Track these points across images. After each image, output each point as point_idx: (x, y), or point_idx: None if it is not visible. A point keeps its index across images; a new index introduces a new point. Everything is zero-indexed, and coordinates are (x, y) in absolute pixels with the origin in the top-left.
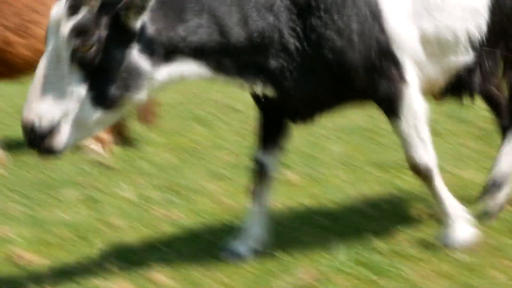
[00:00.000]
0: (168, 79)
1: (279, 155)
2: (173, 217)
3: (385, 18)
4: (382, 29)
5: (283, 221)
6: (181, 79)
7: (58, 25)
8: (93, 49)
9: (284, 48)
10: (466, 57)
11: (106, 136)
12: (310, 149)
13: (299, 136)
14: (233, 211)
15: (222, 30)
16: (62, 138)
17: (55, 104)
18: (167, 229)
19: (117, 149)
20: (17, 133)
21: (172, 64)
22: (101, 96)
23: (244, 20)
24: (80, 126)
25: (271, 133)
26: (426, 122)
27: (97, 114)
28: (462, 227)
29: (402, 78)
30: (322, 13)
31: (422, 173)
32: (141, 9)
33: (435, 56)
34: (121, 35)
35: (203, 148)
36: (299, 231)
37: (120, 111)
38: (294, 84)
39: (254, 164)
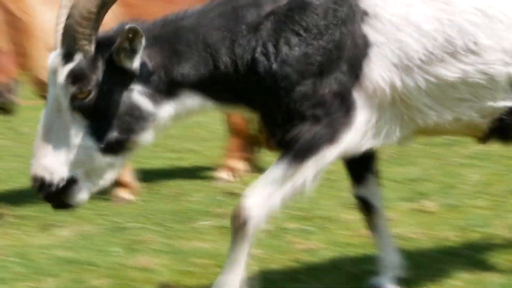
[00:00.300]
0: (174, 116)
1: (376, 181)
2: (312, 247)
3: (370, 64)
4: (354, 74)
5: (425, 252)
6: (189, 114)
7: (55, 73)
8: (92, 94)
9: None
10: (507, 100)
11: (237, 164)
12: (447, 177)
13: (435, 164)
14: (372, 241)
15: (214, 60)
16: (76, 190)
17: (63, 156)
18: (307, 259)
19: (248, 177)
20: (153, 164)
21: (175, 100)
22: (107, 142)
23: (231, 47)
24: (92, 175)
25: (356, 163)
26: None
27: (106, 161)
28: None
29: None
30: (301, 31)
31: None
32: (132, 52)
33: (466, 101)
34: (119, 77)
35: (335, 177)
36: (443, 262)
37: (130, 154)
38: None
39: (356, 201)
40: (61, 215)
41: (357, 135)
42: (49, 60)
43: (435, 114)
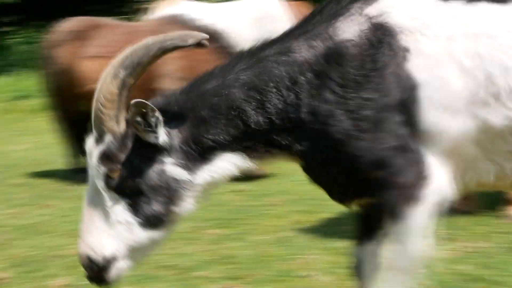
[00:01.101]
0: (212, 180)
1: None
2: None
3: (420, 107)
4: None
5: None
6: (226, 177)
7: (90, 156)
8: (124, 172)
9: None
10: None
11: None
12: None
13: None
14: None
15: (243, 120)
16: (115, 268)
17: (104, 234)
18: None
19: None
20: None
21: (210, 165)
22: (147, 217)
23: (261, 106)
24: (133, 251)
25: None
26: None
27: (147, 236)
28: None
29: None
30: (336, 87)
31: None
32: (149, 127)
33: None
34: (149, 152)
35: None
36: None
37: (172, 226)
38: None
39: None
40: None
41: (442, 186)
42: (87, 143)
43: (484, 168)
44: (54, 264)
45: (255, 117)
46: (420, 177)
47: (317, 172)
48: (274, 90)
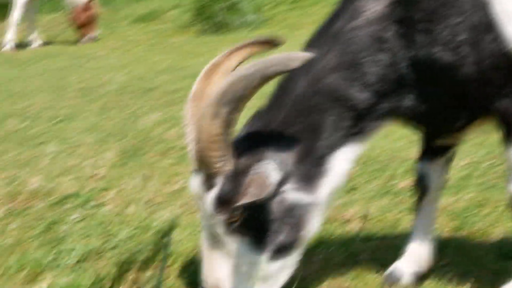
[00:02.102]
0: (333, 190)
1: (444, 164)
2: None
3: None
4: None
5: None
6: (347, 174)
7: (200, 200)
8: (245, 214)
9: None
10: None
11: None
12: None
13: None
14: None
15: (351, 105)
16: None
17: (236, 279)
18: None
19: None
20: None
21: (328, 174)
22: (275, 251)
23: (362, 79)
24: (270, 284)
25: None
26: None
27: (279, 267)
28: None
29: None
30: (424, 26)
31: None
32: None
33: None
34: None
35: None
36: None
37: (301, 250)
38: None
39: (414, 173)
40: None
41: None
42: (192, 185)
43: None
44: (395, 166)
45: (361, 95)
46: None
47: (430, 117)
48: (367, 58)
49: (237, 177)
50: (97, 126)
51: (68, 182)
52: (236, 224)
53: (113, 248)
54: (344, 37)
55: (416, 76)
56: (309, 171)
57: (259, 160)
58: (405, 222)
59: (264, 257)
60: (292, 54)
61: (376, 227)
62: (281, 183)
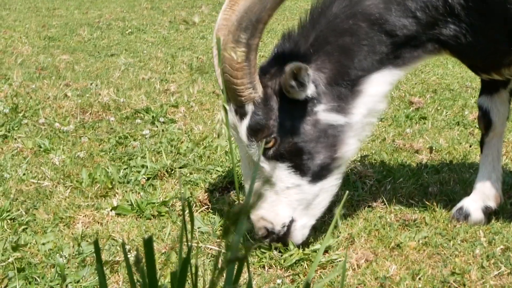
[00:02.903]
0: (369, 113)
1: (506, 98)
2: None
3: None
4: None
5: None
6: (382, 101)
7: (235, 130)
8: (279, 139)
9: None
10: None
11: None
12: None
13: None
14: None
15: (388, 31)
16: (297, 230)
17: (276, 204)
18: None
19: None
20: None
21: (363, 96)
22: (313, 173)
23: (404, 4)
24: (309, 209)
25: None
26: None
27: (319, 189)
28: None
29: None
30: None
31: None
32: (302, 86)
33: None
34: (299, 107)
35: None
36: None
37: (342, 171)
38: (470, 44)
39: (478, 110)
40: None
41: None
42: (222, 116)
43: None
44: (467, 96)
45: (400, 21)
46: None
47: (473, 49)
48: None
49: (267, 102)
50: (167, 40)
51: (139, 97)
52: (273, 149)
53: (183, 167)
54: None
55: (466, 5)
56: (343, 92)
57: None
58: (475, 155)
59: (304, 180)
60: None
61: (445, 159)
62: (314, 100)
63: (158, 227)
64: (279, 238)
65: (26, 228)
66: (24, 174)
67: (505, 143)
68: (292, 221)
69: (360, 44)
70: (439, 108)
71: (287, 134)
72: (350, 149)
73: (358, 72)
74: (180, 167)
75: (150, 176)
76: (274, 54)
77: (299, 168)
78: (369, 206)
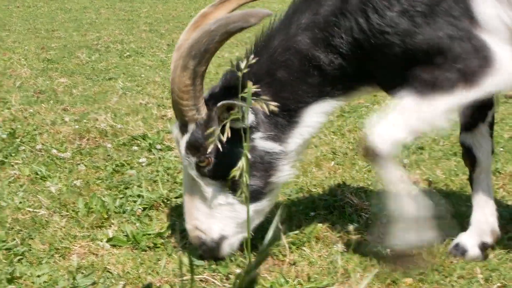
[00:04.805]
0: (304, 142)
1: (486, 132)
2: None
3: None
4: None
5: None
6: (316, 130)
7: (178, 145)
8: (213, 160)
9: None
10: None
11: None
12: None
13: None
14: None
15: (316, 66)
16: (227, 245)
17: (210, 217)
18: None
19: None
20: None
21: (299, 126)
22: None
23: (329, 41)
24: (240, 226)
25: (470, 108)
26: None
27: (252, 210)
28: None
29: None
30: None
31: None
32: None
33: None
34: (236, 133)
35: None
36: None
37: (274, 195)
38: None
39: (461, 148)
40: None
41: (504, 75)
42: (172, 131)
43: None
44: None
45: (326, 57)
46: (483, 65)
47: (390, 78)
48: (334, 21)
49: (208, 124)
50: (165, 64)
51: (136, 123)
52: (207, 168)
53: (179, 197)
54: (318, 5)
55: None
56: (280, 122)
57: (230, 108)
58: None
59: (236, 200)
60: (252, 11)
61: (442, 191)
62: (253, 130)
63: (154, 259)
64: (210, 251)
65: (22, 259)
66: (20, 203)
67: (502, 175)
68: (223, 238)
69: (295, 77)
70: (436, 137)
71: (222, 156)
72: (284, 174)
73: (295, 103)
74: (176, 197)
75: (146, 206)
76: (223, 80)
77: (233, 188)
78: (365, 240)
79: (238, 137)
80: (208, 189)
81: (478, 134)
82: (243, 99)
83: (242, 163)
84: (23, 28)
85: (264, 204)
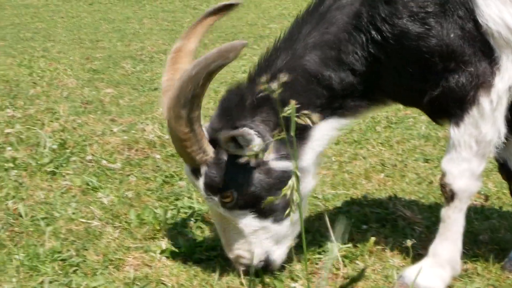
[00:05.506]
0: (319, 153)
1: None
2: None
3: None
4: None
5: None
6: (331, 140)
7: (197, 189)
8: (235, 191)
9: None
10: None
11: None
12: None
13: None
14: None
15: (328, 85)
16: (275, 261)
17: (249, 246)
18: None
19: None
20: None
21: (310, 141)
22: (276, 214)
23: (340, 59)
24: (282, 242)
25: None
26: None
27: (285, 226)
28: None
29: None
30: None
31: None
32: (245, 146)
33: None
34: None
35: None
36: None
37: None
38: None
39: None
40: None
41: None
42: (186, 173)
43: None
44: None
45: (337, 76)
46: (490, 65)
47: (404, 92)
48: (347, 37)
49: (219, 161)
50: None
51: None
52: (232, 203)
53: None
54: (330, 15)
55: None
56: (290, 140)
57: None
58: None
59: (268, 221)
60: (227, 46)
61: (495, 204)
62: (263, 153)
63: (207, 271)
64: (263, 269)
65: (77, 270)
66: (73, 213)
67: None
68: (269, 255)
69: (302, 98)
70: None
71: (242, 186)
72: (306, 186)
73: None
74: None
75: (197, 218)
76: (221, 107)
77: (262, 212)
78: (419, 254)
79: (249, 163)
80: (239, 220)
81: (510, 148)
82: (286, 119)
83: (292, 181)
84: (67, 38)
85: (295, 216)
